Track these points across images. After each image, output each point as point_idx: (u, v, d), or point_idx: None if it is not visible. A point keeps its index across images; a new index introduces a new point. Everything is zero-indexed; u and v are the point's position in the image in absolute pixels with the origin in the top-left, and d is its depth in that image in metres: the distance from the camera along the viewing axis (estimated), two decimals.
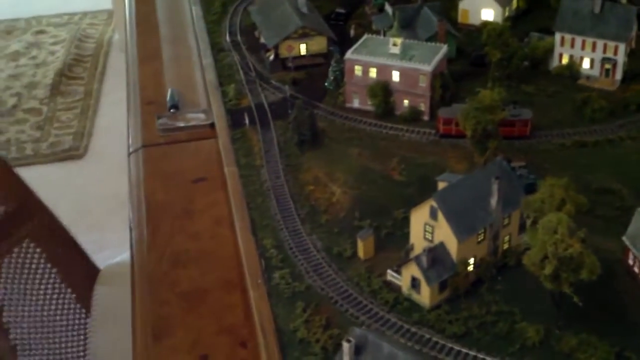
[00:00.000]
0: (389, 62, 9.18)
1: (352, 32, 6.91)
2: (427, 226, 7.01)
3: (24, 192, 2.19)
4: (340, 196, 4.37)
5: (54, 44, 5.25)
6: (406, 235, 7.03)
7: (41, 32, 5.47)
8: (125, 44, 2.54)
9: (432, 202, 6.98)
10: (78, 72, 4.71)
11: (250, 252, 1.67)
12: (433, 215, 6.98)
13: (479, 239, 7.14)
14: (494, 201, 7.05)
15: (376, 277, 5.99)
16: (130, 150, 1.92)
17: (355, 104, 8.49)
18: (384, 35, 9.76)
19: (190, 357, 1.41)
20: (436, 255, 6.92)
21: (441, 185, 7.51)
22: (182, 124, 2.03)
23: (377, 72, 9.05)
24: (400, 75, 9.25)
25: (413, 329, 6.30)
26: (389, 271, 6.33)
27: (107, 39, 5.83)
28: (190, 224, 1.70)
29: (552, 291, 6.45)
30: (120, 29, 5.37)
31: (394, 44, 9.34)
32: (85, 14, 5.91)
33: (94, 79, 4.87)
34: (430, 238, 7.00)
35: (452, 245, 7.00)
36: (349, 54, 8.88)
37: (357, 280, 5.03)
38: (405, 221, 7.12)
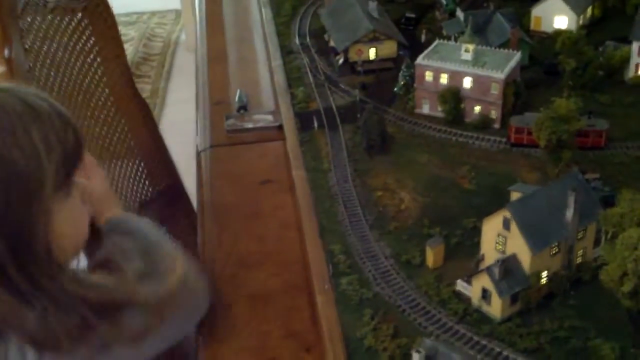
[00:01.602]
0: (461, 68, 9.00)
1: (423, 37, 6.81)
2: (500, 237, 6.85)
3: None
4: (409, 203, 4.30)
5: (123, 42, 5.31)
6: (476, 246, 6.84)
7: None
8: (195, 44, 2.51)
9: (505, 213, 6.82)
10: (145, 70, 4.70)
11: (317, 256, 1.62)
12: (506, 226, 6.82)
13: (553, 252, 6.94)
14: (569, 214, 6.84)
15: (445, 286, 5.82)
16: (199, 149, 1.88)
17: (425, 109, 8.31)
18: (455, 40, 9.56)
19: None
20: (508, 266, 6.75)
21: (514, 195, 7.32)
22: (250, 125, 2.00)
23: (449, 78, 8.86)
24: (472, 82, 9.07)
25: (483, 342, 6.13)
26: (458, 281, 6.17)
27: (175, 39, 5.86)
28: (257, 226, 1.67)
29: (630, 309, 6.21)
30: (188, 29, 5.44)
31: (466, 50, 9.14)
32: (153, 13, 5.93)
33: (160, 77, 4.88)
34: (502, 249, 6.83)
35: (525, 257, 6.82)
36: (420, 60, 8.67)
37: (425, 289, 4.93)
38: (475, 231, 6.93)
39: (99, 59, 2.18)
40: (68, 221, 0.89)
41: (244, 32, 2.41)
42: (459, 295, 5.75)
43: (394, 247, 3.51)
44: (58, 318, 0.86)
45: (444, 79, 8.66)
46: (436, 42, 8.91)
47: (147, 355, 0.99)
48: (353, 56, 5.73)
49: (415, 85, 8.42)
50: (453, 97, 8.63)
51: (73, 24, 2.02)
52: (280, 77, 2.01)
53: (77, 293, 0.88)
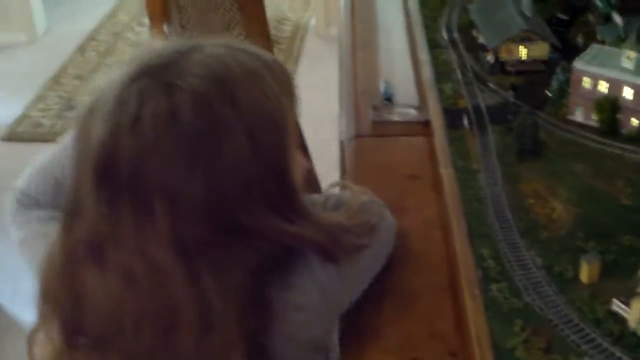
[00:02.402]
0: (622, 77, 8.50)
1: (579, 41, 6.49)
2: None
3: None
4: (562, 213, 4.03)
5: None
6: (634, 265, 6.44)
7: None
8: (339, 31, 2.47)
9: None
10: (275, 53, 4.65)
11: (466, 259, 1.52)
12: None
13: None
14: None
15: (600, 304, 5.47)
16: (343, 137, 1.83)
17: (578, 116, 7.87)
18: (610, 46, 9.04)
19: (399, 359, 1.28)
20: None
21: None
22: (396, 118, 1.92)
23: (608, 87, 8.38)
24: (634, 93, 8.57)
25: None
26: (614, 300, 5.81)
27: (304, 23, 5.81)
28: (400, 221, 1.58)
29: None
30: (318, 15, 5.41)
31: (628, 58, 8.64)
32: None
33: (289, 61, 4.81)
34: None
35: None
36: (578, 64, 8.25)
37: (579, 305, 4.63)
38: (633, 249, 6.52)
39: (244, 33, 2.22)
40: (296, 160, 1.08)
41: (389, 23, 2.32)
42: (614, 315, 5.38)
43: (545, 258, 3.26)
44: (326, 235, 1.10)
45: (602, 86, 8.20)
46: (594, 46, 8.46)
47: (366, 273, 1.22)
48: (503, 55, 5.45)
49: (570, 90, 8.05)
50: (611, 106, 8.15)
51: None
52: (427, 72, 1.91)
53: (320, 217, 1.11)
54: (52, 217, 1.28)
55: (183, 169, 0.99)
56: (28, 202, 1.37)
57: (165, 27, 1.67)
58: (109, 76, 1.07)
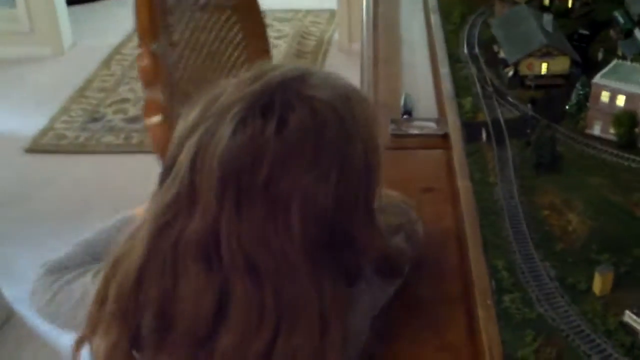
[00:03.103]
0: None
1: (600, 56, 6.50)
2: None
3: None
4: (577, 225, 4.04)
5: (278, 38, 5.32)
6: None
7: (266, 25, 5.51)
8: (361, 45, 2.49)
9: None
10: None
11: (480, 270, 1.54)
12: None
13: None
14: None
15: (612, 316, 5.45)
16: None
17: (596, 130, 7.82)
18: (630, 62, 8.98)
19: None
20: None
21: None
22: (415, 131, 1.94)
23: (626, 101, 8.33)
24: None
25: None
26: (627, 312, 5.78)
27: (327, 38, 5.85)
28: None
29: None
30: (341, 29, 5.44)
31: None
32: (309, 12, 5.95)
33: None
34: None
35: None
36: (597, 79, 8.19)
37: (591, 316, 4.64)
38: None
39: (246, 53, 2.23)
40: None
41: (410, 37, 2.36)
42: (626, 327, 5.37)
43: (559, 269, 3.27)
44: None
45: (620, 100, 8.16)
46: (614, 61, 8.38)
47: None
48: (524, 70, 5.49)
49: (588, 104, 8.00)
50: (629, 120, 8.12)
51: (222, 20, 2.07)
52: (447, 85, 1.95)
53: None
54: (81, 272, 1.31)
55: (321, 174, 1.06)
56: (58, 268, 1.38)
57: (155, 46, 1.71)
58: (224, 84, 1.13)
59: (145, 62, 1.73)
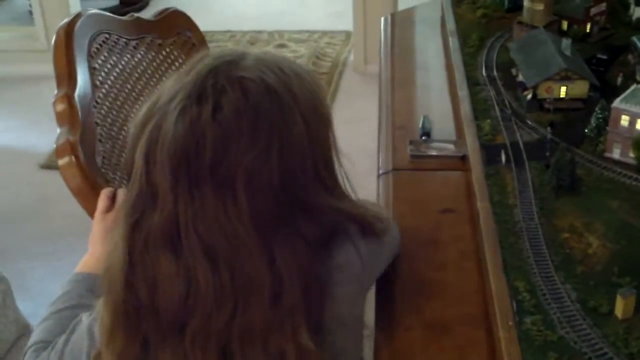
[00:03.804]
0: None
1: (619, 81, 6.53)
2: None
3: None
4: (598, 248, 3.98)
5: (294, 58, 5.37)
6: None
7: (282, 45, 5.65)
8: (380, 67, 2.52)
9: None
10: None
11: (501, 291, 1.52)
12: None
13: None
14: None
15: (634, 339, 5.31)
16: (381, 172, 1.87)
17: (616, 154, 7.70)
18: None
19: None
20: None
21: None
22: (433, 153, 1.94)
23: None
24: None
25: None
26: None
27: (343, 59, 5.90)
28: (436, 253, 1.60)
29: None
30: (357, 51, 5.48)
31: None
32: (324, 33, 6.02)
33: (326, 95, 4.86)
34: None
35: None
36: (617, 103, 8.10)
37: (613, 339, 4.55)
38: None
39: None
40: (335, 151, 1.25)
41: (429, 60, 2.35)
42: None
43: (580, 292, 3.24)
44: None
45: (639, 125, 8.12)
46: (634, 86, 8.32)
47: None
48: (542, 93, 5.53)
49: (608, 128, 7.93)
50: None
51: (159, 58, 2.07)
52: (466, 108, 1.94)
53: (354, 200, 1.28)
54: (70, 330, 1.38)
55: (261, 151, 1.13)
56: (43, 346, 1.43)
57: (70, 91, 1.71)
58: (166, 82, 1.21)
59: (60, 107, 1.76)
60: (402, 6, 5.15)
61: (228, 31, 6.35)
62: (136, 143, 1.16)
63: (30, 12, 5.74)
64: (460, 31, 2.32)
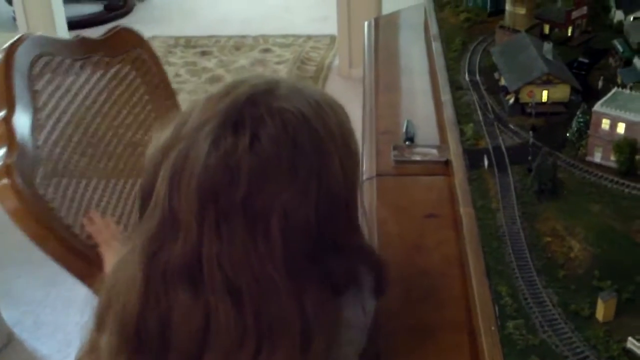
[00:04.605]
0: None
1: (600, 84, 6.60)
2: None
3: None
4: (579, 252, 4.00)
5: (278, 63, 5.35)
6: None
7: (267, 50, 5.62)
8: (363, 72, 2.51)
9: None
10: None
11: (484, 296, 1.52)
12: None
13: None
14: None
15: (615, 342, 5.33)
16: (364, 177, 1.86)
17: (597, 158, 7.73)
18: (630, 90, 8.95)
19: None
20: None
21: None
22: (417, 158, 1.92)
23: (626, 129, 8.28)
24: None
25: None
26: (630, 339, 5.69)
27: (328, 64, 5.88)
28: (420, 258, 1.60)
29: None
30: (341, 55, 5.46)
31: None
32: (309, 37, 6.00)
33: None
34: None
35: None
36: (598, 107, 8.14)
37: (594, 342, 4.58)
38: None
39: (149, 106, 2.18)
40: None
41: (413, 64, 2.35)
42: (629, 353, 5.27)
43: (561, 296, 3.25)
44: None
45: (620, 128, 8.10)
46: (614, 89, 8.36)
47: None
48: (524, 97, 5.57)
49: (589, 132, 7.96)
50: (629, 148, 8.05)
51: (108, 76, 2.04)
52: (449, 112, 1.93)
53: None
54: None
55: (299, 187, 1.05)
56: None
57: (7, 114, 1.70)
58: (194, 106, 1.11)
59: None
60: (385, 10, 5.13)
61: (212, 36, 6.33)
62: (157, 169, 1.08)
63: (14, 19, 5.68)
64: (443, 35, 2.32)
